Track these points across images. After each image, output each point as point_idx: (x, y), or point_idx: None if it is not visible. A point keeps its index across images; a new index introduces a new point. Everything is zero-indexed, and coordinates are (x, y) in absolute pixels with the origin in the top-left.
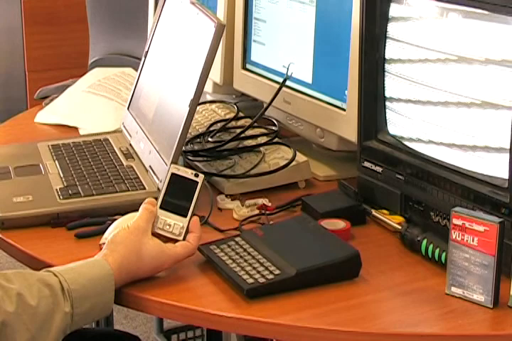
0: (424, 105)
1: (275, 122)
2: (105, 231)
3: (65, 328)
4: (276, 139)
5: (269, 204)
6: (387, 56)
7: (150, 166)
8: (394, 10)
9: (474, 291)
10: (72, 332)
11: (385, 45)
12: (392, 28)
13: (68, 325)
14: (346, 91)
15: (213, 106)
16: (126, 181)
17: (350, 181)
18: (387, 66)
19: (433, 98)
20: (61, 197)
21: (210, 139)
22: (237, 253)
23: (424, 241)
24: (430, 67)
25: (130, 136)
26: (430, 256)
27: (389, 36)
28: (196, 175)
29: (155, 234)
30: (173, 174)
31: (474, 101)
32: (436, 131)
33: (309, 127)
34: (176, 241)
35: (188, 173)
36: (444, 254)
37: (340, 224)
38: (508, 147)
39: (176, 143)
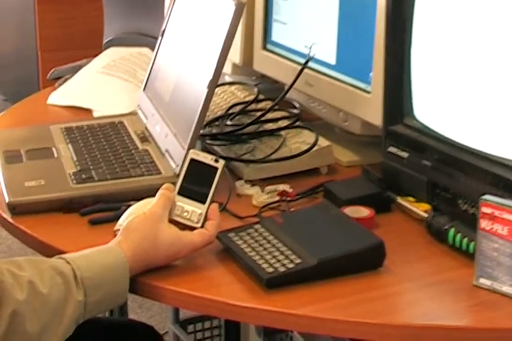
0: (452, 88)
1: (297, 105)
2: (120, 217)
3: (77, 317)
4: (297, 123)
5: (290, 191)
6: (414, 36)
7: (166, 150)
8: None
9: (503, 283)
10: (85, 322)
11: (412, 24)
12: (420, 6)
13: (81, 313)
14: (371, 73)
15: (232, 88)
16: (141, 165)
17: (374, 167)
18: (414, 46)
19: (462, 81)
20: (74, 182)
21: (228, 122)
22: (256, 241)
23: (452, 231)
24: (460, 49)
25: (146, 118)
26: (458, 245)
27: (417, 14)
28: (216, 161)
29: (172, 221)
30: (192, 159)
31: (506, 85)
32: (465, 115)
33: (332, 110)
34: (193, 228)
35: (207, 159)
36: (472, 244)
37: (363, 211)
38: None
39: (194, 126)
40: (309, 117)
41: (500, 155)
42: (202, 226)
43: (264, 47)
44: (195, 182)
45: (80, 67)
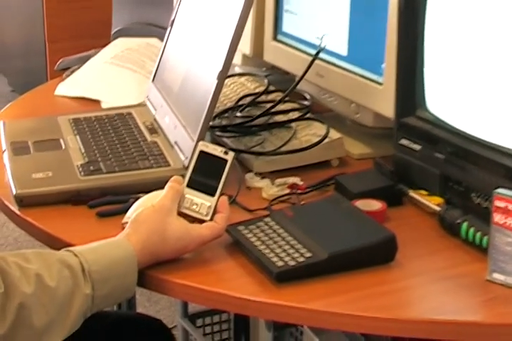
0: (465, 80)
1: (307, 97)
2: (128, 209)
3: (85, 311)
4: (308, 115)
5: (301, 184)
6: (427, 26)
7: (175, 142)
8: None
9: None
10: (93, 315)
11: (425, 14)
12: None
13: (88, 307)
14: (383, 65)
15: (242, 79)
16: (150, 157)
17: (386, 160)
18: (427, 37)
19: (475, 72)
20: (82, 174)
21: (238, 114)
22: (266, 235)
23: (465, 224)
24: (474, 40)
25: (155, 109)
26: (471, 239)
27: (430, 4)
28: (226, 153)
29: (181, 214)
30: (201, 151)
31: None
32: (479, 107)
33: (344, 102)
34: (202, 221)
35: (217, 151)
36: (485, 238)
37: (375, 205)
38: None
39: (203, 117)
40: (320, 109)
41: None
42: (211, 219)
43: (275, 38)
44: (205, 174)
45: (88, 58)
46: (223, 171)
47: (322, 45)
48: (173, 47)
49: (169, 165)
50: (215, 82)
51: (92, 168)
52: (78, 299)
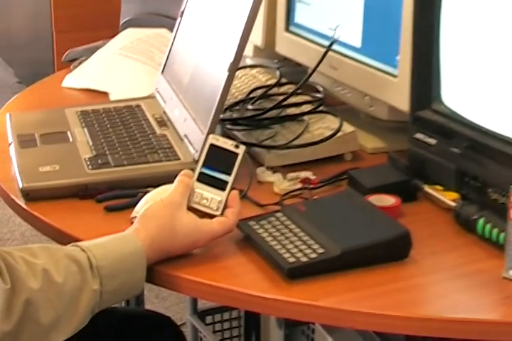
0: (482, 73)
1: (320, 89)
2: (137, 204)
3: (93, 307)
4: (321, 107)
5: (313, 178)
6: (443, 17)
7: (185, 135)
8: None
9: None
10: (101, 312)
11: (440, 6)
12: None
13: (96, 303)
14: (398, 57)
15: (254, 71)
16: (159, 151)
17: (400, 154)
18: (443, 29)
19: (492, 65)
20: (90, 167)
21: (250, 107)
22: (277, 230)
23: (481, 220)
24: (491, 31)
25: (164, 102)
26: (487, 236)
27: None
28: (237, 147)
29: (191, 209)
30: (211, 145)
31: None
32: (496, 100)
33: (357, 95)
34: (213, 216)
35: (227, 144)
36: (502, 234)
37: (389, 200)
38: None
39: (214, 110)
40: (333, 102)
41: None
42: (221, 214)
43: (287, 29)
44: (215, 168)
45: (96, 49)
46: (234, 165)
47: (335, 37)
48: (183, 38)
49: (179, 158)
50: (226, 73)
51: (100, 161)
52: (86, 295)
